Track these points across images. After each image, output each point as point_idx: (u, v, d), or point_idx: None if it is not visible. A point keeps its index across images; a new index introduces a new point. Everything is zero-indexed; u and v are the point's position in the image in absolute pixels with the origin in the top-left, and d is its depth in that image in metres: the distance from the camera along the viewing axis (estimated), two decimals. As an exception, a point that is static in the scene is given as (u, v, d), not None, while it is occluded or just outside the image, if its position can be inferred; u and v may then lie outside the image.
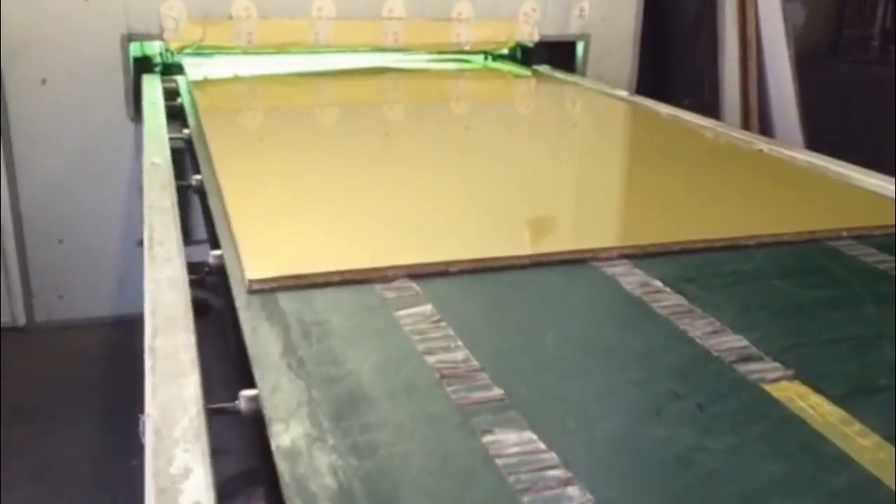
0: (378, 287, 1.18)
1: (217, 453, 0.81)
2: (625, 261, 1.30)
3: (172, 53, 2.94)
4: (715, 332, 1.08)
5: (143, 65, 2.99)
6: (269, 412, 0.86)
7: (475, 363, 0.98)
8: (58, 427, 2.43)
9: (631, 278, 1.25)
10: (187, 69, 2.82)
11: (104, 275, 3.02)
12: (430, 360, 0.98)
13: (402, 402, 0.89)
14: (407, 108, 2.77)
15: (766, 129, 3.59)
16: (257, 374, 0.93)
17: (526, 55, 3.38)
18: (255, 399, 0.90)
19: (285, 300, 1.13)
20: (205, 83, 2.75)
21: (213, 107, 2.51)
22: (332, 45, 3.09)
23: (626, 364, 1.01)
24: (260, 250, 1.28)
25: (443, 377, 0.94)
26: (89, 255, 2.97)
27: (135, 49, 2.96)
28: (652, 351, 1.05)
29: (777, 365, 1.00)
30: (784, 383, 0.96)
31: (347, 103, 2.83)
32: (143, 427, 0.83)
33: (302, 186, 1.67)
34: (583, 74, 3.36)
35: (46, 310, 3.04)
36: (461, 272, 1.24)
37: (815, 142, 3.51)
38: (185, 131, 2.06)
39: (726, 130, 2.24)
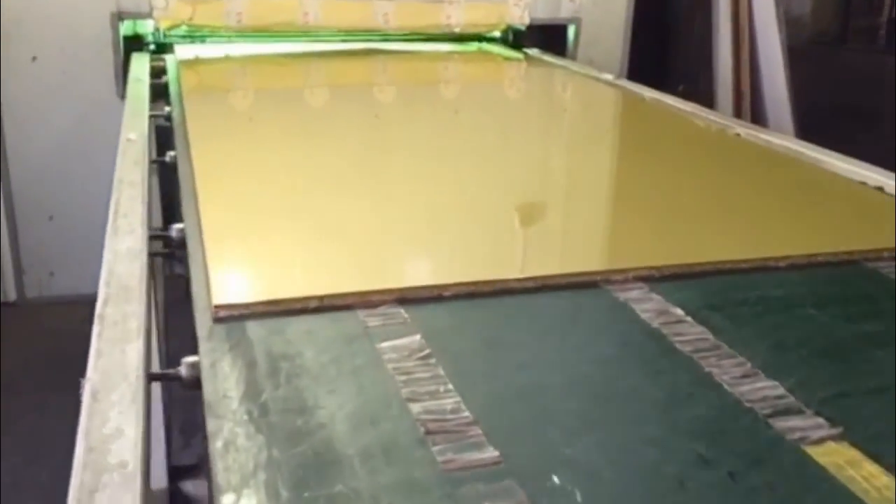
0: (361, 313, 1.01)
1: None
2: (640, 284, 1.13)
3: (163, 32, 2.95)
4: (746, 376, 0.91)
5: (136, 44, 3.00)
6: (218, 477, 0.71)
7: (467, 414, 0.82)
8: (47, 401, 2.46)
9: (647, 305, 1.07)
10: (179, 52, 2.82)
11: (94, 252, 3.00)
12: (415, 408, 0.82)
13: (379, 466, 0.74)
14: (397, 92, 2.69)
15: (757, 114, 3.58)
16: (210, 424, 0.79)
17: (518, 39, 3.37)
18: (196, 366, 0.92)
19: (254, 328, 0.97)
20: (194, 62, 2.73)
21: (199, 86, 2.40)
22: (322, 27, 3.06)
23: (644, 417, 0.85)
24: (231, 267, 1.13)
25: (428, 432, 0.79)
26: (79, 232, 2.94)
27: (127, 28, 2.95)
28: (674, 400, 0.88)
29: (820, 421, 0.83)
30: (830, 444, 0.80)
31: (336, 85, 2.72)
32: (83, 391, 0.84)
33: (281, 185, 1.52)
34: (574, 59, 3.30)
35: (37, 286, 3.04)
36: (456, 296, 1.06)
37: (822, 132, 3.48)
38: (167, 109, 2.07)
39: (728, 122, 2.10)
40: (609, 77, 2.62)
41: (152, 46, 2.93)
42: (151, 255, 1.66)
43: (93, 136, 2.87)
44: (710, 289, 1.14)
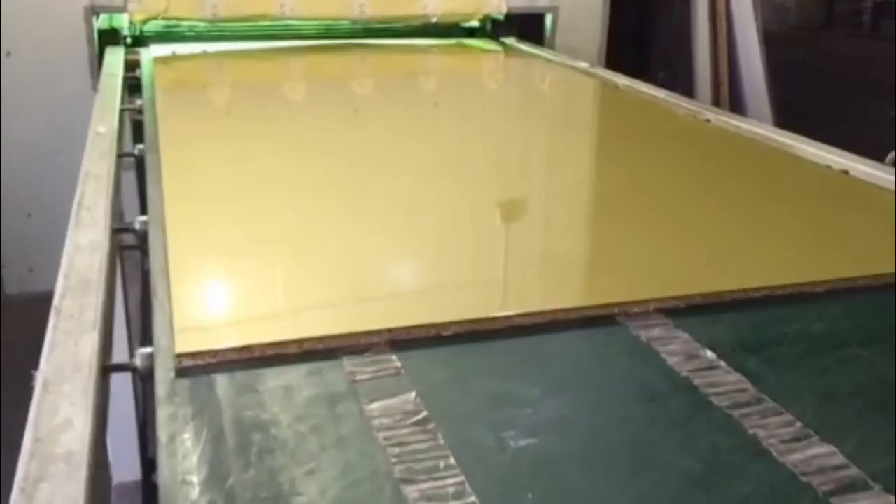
0: (347, 362, 0.88)
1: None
2: (662, 317, 1.00)
3: (138, 26, 2.94)
4: (797, 440, 0.78)
5: (113, 38, 2.98)
6: None
7: (473, 500, 0.69)
8: (27, 396, 2.46)
9: (673, 346, 0.94)
10: (155, 50, 2.81)
11: (73, 247, 3.01)
12: (411, 493, 0.70)
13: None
14: (375, 85, 2.70)
15: (735, 102, 3.59)
16: None
17: (496, 29, 3.37)
18: (151, 357, 0.92)
19: (223, 384, 0.83)
20: (169, 57, 2.72)
21: (173, 80, 2.39)
22: (298, 17, 3.06)
23: (682, 498, 0.71)
24: (197, 303, 1.00)
25: None
26: (58, 227, 2.93)
27: (103, 22, 2.94)
28: (715, 474, 0.74)
29: (892, 499, 0.70)
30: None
31: (314, 80, 2.71)
32: (35, 382, 0.84)
33: (254, 191, 1.42)
34: (552, 47, 3.33)
35: (17, 282, 3.03)
36: (456, 336, 0.94)
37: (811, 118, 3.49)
38: (138, 102, 2.06)
39: (699, 108, 2.06)
40: (584, 65, 2.62)
41: (128, 40, 2.91)
42: (122, 249, 1.66)
43: (69, 131, 2.83)
44: (742, 323, 1.00)
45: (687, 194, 1.49)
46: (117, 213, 1.41)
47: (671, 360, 0.92)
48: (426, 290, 1.11)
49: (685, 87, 3.66)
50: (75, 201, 1.31)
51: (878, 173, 1.55)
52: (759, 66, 3.50)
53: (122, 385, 0.94)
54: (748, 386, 0.87)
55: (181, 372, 0.85)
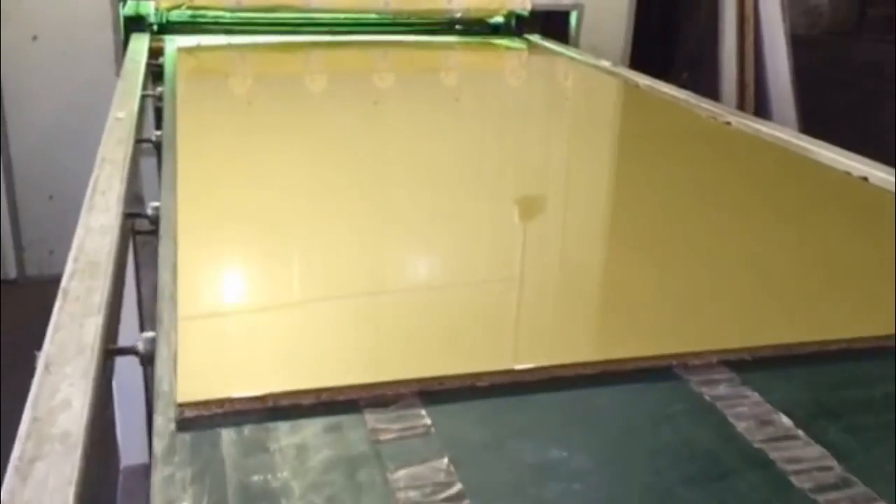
0: (370, 416, 0.77)
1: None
2: (727, 371, 0.87)
3: (164, 14, 2.96)
4: None
5: (138, 25, 3.00)
6: None
7: None
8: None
9: (742, 407, 0.81)
10: (179, 41, 2.83)
11: (93, 231, 3.05)
12: None
13: None
14: (396, 79, 2.65)
15: (761, 105, 3.56)
16: None
17: (521, 25, 3.36)
18: (153, 340, 0.92)
19: (230, 441, 0.73)
20: (193, 47, 2.73)
21: (194, 69, 2.39)
22: (323, 7, 3.07)
23: None
24: (203, 344, 0.88)
25: None
26: (78, 211, 2.99)
27: (129, 8, 2.97)
28: None
29: None
30: None
31: (335, 72, 2.69)
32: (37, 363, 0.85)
33: (269, 202, 1.31)
34: (576, 45, 3.31)
35: (37, 264, 3.07)
36: (493, 387, 0.82)
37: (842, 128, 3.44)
38: (159, 89, 2.08)
39: (720, 111, 1.99)
40: (607, 64, 2.60)
41: (154, 28, 2.93)
42: (136, 233, 1.67)
43: (92, 116, 2.86)
44: (819, 381, 0.87)
45: (743, 222, 1.33)
46: (133, 197, 1.41)
47: (741, 426, 0.79)
48: (460, 334, 0.95)
49: (709, 88, 3.62)
50: (90, 185, 1.32)
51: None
52: (785, 69, 3.46)
53: (132, 369, 0.93)
54: (833, 463, 0.74)
55: (183, 424, 0.75)
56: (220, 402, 0.76)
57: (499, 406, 0.80)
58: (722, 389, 0.85)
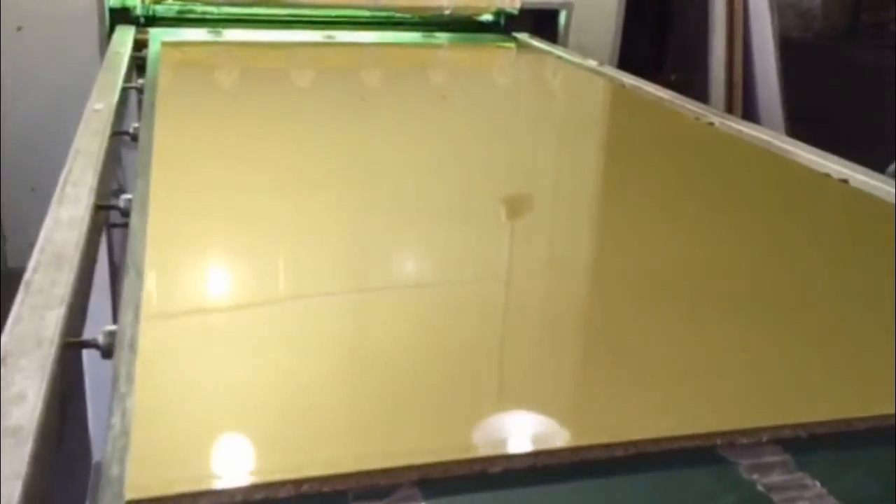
0: None
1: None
2: (780, 452, 0.72)
3: (150, 6, 2.94)
4: None
5: (125, 16, 2.99)
6: None
7: None
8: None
9: (803, 501, 0.66)
10: (165, 33, 2.77)
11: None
12: None
13: None
14: (383, 76, 2.71)
15: (748, 106, 3.56)
16: None
17: (511, 24, 3.35)
18: (113, 334, 0.91)
19: None
20: (179, 41, 2.73)
21: (178, 61, 2.38)
22: (313, 3, 3.07)
23: None
24: (163, 413, 0.73)
25: None
26: (61, 204, 2.98)
27: (114, 0, 2.96)
28: None
29: None
30: None
31: (322, 68, 2.73)
32: None
33: (247, 207, 1.23)
34: (564, 45, 3.32)
35: (19, 255, 3.05)
36: (507, 473, 0.67)
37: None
38: (140, 81, 2.06)
39: (704, 111, 1.95)
40: (593, 63, 2.60)
41: (140, 20, 2.92)
42: (111, 227, 1.66)
43: (76, 108, 2.85)
44: (886, 467, 0.71)
45: (777, 262, 1.13)
46: (107, 190, 1.40)
47: None
48: (466, 412, 0.77)
49: (699, 88, 3.62)
50: (61, 177, 1.31)
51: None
52: (773, 71, 3.45)
53: (107, 363, 0.91)
54: None
55: None
56: (178, 499, 0.62)
57: (514, 498, 0.66)
58: (776, 478, 0.69)
